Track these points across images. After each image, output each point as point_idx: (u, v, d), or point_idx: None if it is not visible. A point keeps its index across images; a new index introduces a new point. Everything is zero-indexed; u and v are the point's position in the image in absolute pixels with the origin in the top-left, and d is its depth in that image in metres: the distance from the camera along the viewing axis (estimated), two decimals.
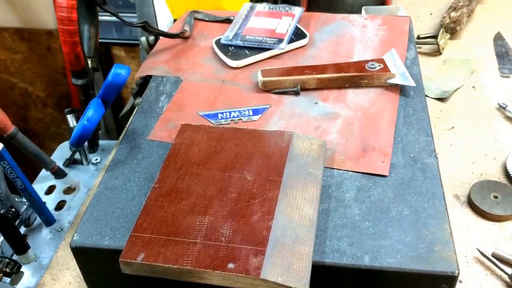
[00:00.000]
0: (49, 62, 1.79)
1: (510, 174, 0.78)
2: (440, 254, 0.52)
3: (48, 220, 0.76)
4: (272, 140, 0.64)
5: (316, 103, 0.73)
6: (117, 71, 0.64)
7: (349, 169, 0.63)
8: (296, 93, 0.75)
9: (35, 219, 0.77)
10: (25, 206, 0.74)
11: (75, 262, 0.58)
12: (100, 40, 0.82)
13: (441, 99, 0.96)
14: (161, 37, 0.90)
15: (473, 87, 0.99)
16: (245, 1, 1.01)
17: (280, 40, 0.84)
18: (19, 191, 0.72)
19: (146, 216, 0.55)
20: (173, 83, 0.79)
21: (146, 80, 0.99)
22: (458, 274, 0.51)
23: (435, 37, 1.09)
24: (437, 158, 0.64)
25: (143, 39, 1.05)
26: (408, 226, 0.55)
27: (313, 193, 0.58)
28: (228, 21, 0.92)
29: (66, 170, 0.86)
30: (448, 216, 0.57)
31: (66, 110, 0.85)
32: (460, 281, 0.65)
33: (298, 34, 0.86)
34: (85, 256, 0.57)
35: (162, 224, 0.54)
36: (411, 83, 0.74)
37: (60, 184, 0.84)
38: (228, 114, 0.72)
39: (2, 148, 0.67)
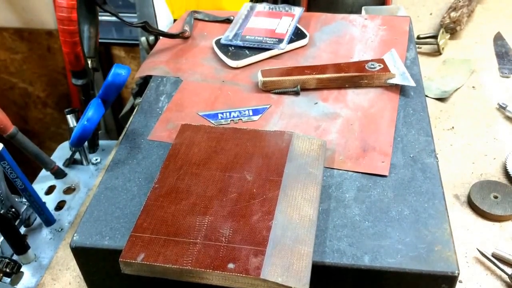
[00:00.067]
0: (49, 62, 1.79)
1: (510, 174, 0.78)
2: (440, 254, 0.52)
3: (48, 220, 0.76)
4: (272, 140, 0.64)
5: (316, 103, 0.73)
6: (117, 71, 0.64)
7: (349, 169, 0.63)
8: (296, 93, 0.75)
9: (35, 219, 0.77)
10: (25, 206, 0.74)
11: (75, 262, 0.58)
12: (100, 40, 0.82)
13: (441, 99, 0.96)
14: (161, 37, 0.90)
15: (473, 87, 0.99)
16: (245, 1, 1.01)
17: (280, 40, 0.84)
18: (19, 191, 0.72)
19: (146, 216, 0.55)
20: (173, 83, 0.79)
21: (146, 80, 0.99)
22: (458, 274, 0.51)
23: (435, 37, 1.09)
24: (437, 158, 0.64)
25: (143, 39, 1.05)
26: (408, 226, 0.55)
27: (313, 193, 0.58)
28: (228, 21, 0.92)
29: (66, 170, 0.86)
30: (448, 216, 0.57)
31: (66, 110, 0.85)
32: (460, 281, 0.65)
33: (298, 34, 0.86)
34: (85, 256, 0.57)
35: (162, 224, 0.54)
36: (411, 83, 0.74)
37: (60, 184, 0.84)
38: (228, 114, 0.72)
39: (2, 148, 0.67)
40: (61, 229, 0.75)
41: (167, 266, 0.50)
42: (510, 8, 1.24)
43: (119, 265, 0.52)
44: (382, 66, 0.76)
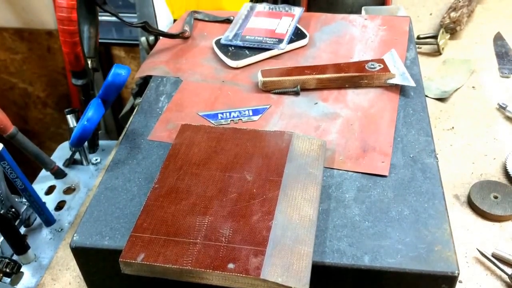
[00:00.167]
0: (49, 62, 1.79)
1: (510, 174, 0.78)
2: (440, 254, 0.52)
3: (48, 220, 0.76)
4: (272, 140, 0.64)
5: (316, 103, 0.73)
6: (117, 71, 0.64)
7: (349, 169, 0.63)
8: (296, 93, 0.75)
9: (35, 219, 0.77)
10: (25, 206, 0.74)
11: (75, 262, 0.58)
12: (100, 40, 0.82)
13: (441, 99, 0.96)
14: (161, 37, 0.90)
15: (473, 87, 0.99)
16: (245, 1, 1.01)
17: (280, 40, 0.84)
18: (19, 191, 0.72)
19: (146, 216, 0.55)
20: (173, 83, 0.79)
21: (146, 80, 0.99)
22: (458, 274, 0.51)
23: (435, 37, 1.09)
24: (437, 158, 0.64)
25: (143, 39, 1.05)
26: (408, 226, 0.55)
27: (313, 193, 0.58)
28: (228, 21, 0.92)
29: (66, 170, 0.86)
30: (448, 216, 0.57)
31: (66, 110, 0.85)
32: (460, 281, 0.65)
33: (298, 34, 0.86)
34: (85, 256, 0.57)
35: (162, 224, 0.54)
36: (411, 83, 0.74)
37: (60, 184, 0.84)
38: (228, 114, 0.72)
39: (2, 148, 0.67)
40: (61, 229, 0.75)
41: (167, 266, 0.50)
42: (510, 8, 1.24)
43: (119, 265, 0.52)
44: (382, 66, 0.76)
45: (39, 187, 0.83)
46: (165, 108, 0.74)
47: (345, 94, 0.75)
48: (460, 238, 0.70)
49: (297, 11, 0.91)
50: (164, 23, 1.07)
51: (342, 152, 0.65)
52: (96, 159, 0.87)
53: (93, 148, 0.89)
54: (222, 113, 0.72)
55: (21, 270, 0.69)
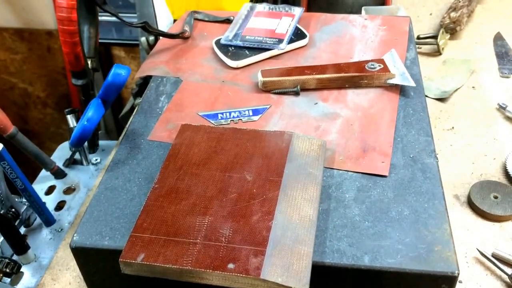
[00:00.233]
0: (49, 63, 1.79)
1: (510, 174, 0.78)
2: (440, 254, 0.52)
3: (48, 220, 0.76)
4: (272, 140, 0.64)
5: (316, 103, 0.73)
6: (117, 71, 0.64)
7: (349, 169, 0.63)
8: (296, 94, 0.75)
9: (35, 219, 0.77)
10: (25, 206, 0.74)
11: (75, 262, 0.58)
12: (100, 40, 0.82)
13: (441, 99, 0.96)
14: (161, 38, 0.90)
15: (473, 87, 0.99)
16: (245, 1, 1.01)
17: (280, 41, 0.84)
18: (19, 191, 0.72)
19: (146, 217, 0.55)
20: (173, 84, 0.79)
21: (146, 80, 0.99)
22: (458, 274, 0.51)
23: (435, 37, 1.09)
24: (437, 158, 0.64)
25: (143, 39, 1.05)
26: (408, 227, 0.55)
27: (313, 193, 0.58)
28: (228, 21, 0.92)
29: (66, 170, 0.86)
30: (448, 217, 0.57)
31: (66, 110, 0.85)
32: (460, 281, 0.65)
33: (298, 35, 0.86)
34: (85, 257, 0.57)
35: (162, 224, 0.54)
36: (411, 83, 0.74)
37: (60, 184, 0.84)
38: (228, 114, 0.72)
39: (2, 148, 0.67)
40: (61, 229, 0.75)
41: (167, 266, 0.50)
42: (510, 8, 1.24)
43: (119, 265, 0.52)
44: (382, 66, 0.76)
45: (39, 187, 0.83)
46: (165, 108, 0.74)
47: (345, 94, 0.75)
48: (460, 238, 0.70)
49: (297, 11, 0.91)
50: (164, 23, 1.07)
51: (342, 152, 0.65)
52: (96, 159, 0.87)
53: (93, 148, 0.89)
54: (222, 113, 0.72)
55: (21, 270, 0.69)
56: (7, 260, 0.66)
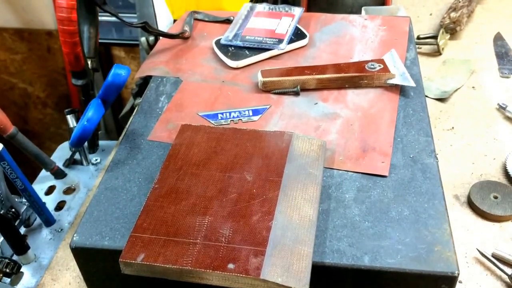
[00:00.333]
0: (49, 63, 1.79)
1: (510, 175, 0.78)
2: (440, 255, 0.52)
3: (48, 221, 0.76)
4: (272, 140, 0.64)
5: (316, 103, 0.73)
6: (117, 72, 0.64)
7: (349, 169, 0.63)
8: (296, 94, 0.75)
9: (35, 220, 0.77)
10: (25, 207, 0.74)
11: (75, 262, 0.58)
12: (100, 41, 0.82)
13: (441, 100, 0.96)
14: (161, 38, 0.90)
15: (473, 87, 0.99)
16: (245, 1, 1.01)
17: (280, 41, 0.84)
18: (19, 191, 0.72)
19: (146, 217, 0.55)
20: (173, 84, 0.79)
21: (146, 80, 0.99)
22: (458, 274, 0.51)
23: (435, 37, 1.09)
24: (437, 159, 0.64)
25: (143, 39, 1.05)
26: (408, 227, 0.55)
27: (313, 194, 0.58)
28: (228, 21, 0.92)
29: (66, 170, 0.86)
30: (448, 217, 0.57)
31: (66, 110, 0.85)
32: (460, 282, 0.65)
33: (298, 35, 0.86)
34: (85, 257, 0.57)
35: (162, 225, 0.54)
36: (411, 83, 0.74)
37: (60, 185, 0.84)
38: (228, 114, 0.72)
39: (2, 148, 0.67)
40: (61, 230, 0.75)
41: (167, 266, 0.50)
42: (510, 9, 1.24)
43: (119, 265, 0.52)
44: (382, 66, 0.76)
45: (39, 187, 0.83)
46: (165, 108, 0.74)
47: (345, 94, 0.75)
48: (460, 238, 0.70)
49: (297, 11, 0.91)
50: (164, 23, 1.07)
51: (342, 152, 0.65)
52: (96, 159, 0.87)
53: (93, 148, 0.89)
54: (222, 113, 0.72)
55: (21, 270, 0.69)
56: (7, 260, 0.66)
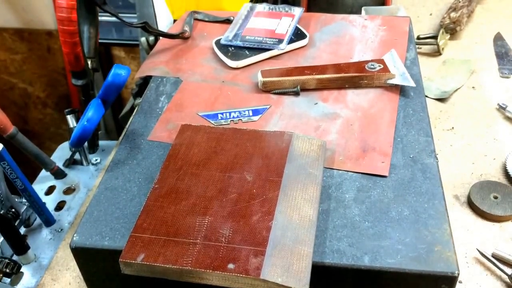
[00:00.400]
0: (49, 63, 1.79)
1: (510, 175, 0.78)
2: (440, 255, 0.52)
3: (48, 221, 0.76)
4: (272, 140, 0.64)
5: (316, 103, 0.73)
6: (117, 72, 0.64)
7: (349, 169, 0.63)
8: (296, 94, 0.75)
9: (35, 220, 0.77)
10: (25, 207, 0.74)
11: (75, 262, 0.58)
12: (100, 41, 0.82)
13: (441, 100, 0.96)
14: (161, 38, 0.90)
15: (473, 87, 0.99)
16: (245, 2, 1.01)
17: (280, 41, 0.84)
18: (19, 191, 0.72)
19: (146, 217, 0.55)
20: (173, 84, 0.79)
21: (146, 80, 0.99)
22: (458, 274, 0.51)
23: (435, 37, 1.09)
24: (437, 159, 0.64)
25: (143, 39, 1.05)
26: (408, 227, 0.55)
27: (313, 194, 0.58)
28: (228, 21, 0.92)
29: (66, 170, 0.86)
30: (448, 217, 0.57)
31: (66, 110, 0.85)
32: (460, 282, 0.65)
33: (298, 35, 0.86)
34: (85, 257, 0.57)
35: (162, 225, 0.54)
36: (411, 83, 0.74)
37: (60, 185, 0.84)
38: (228, 114, 0.72)
39: (2, 148, 0.67)
40: (61, 230, 0.75)
41: (167, 266, 0.50)
42: (510, 9, 1.24)
43: (119, 265, 0.52)
44: (382, 66, 0.76)
45: (39, 187, 0.83)
46: (165, 108, 0.74)
47: (345, 94, 0.75)
48: (460, 239, 0.70)
49: (297, 11, 0.91)
50: (164, 23, 1.07)
51: (342, 152, 0.65)
52: (96, 159, 0.87)
53: (93, 148, 0.89)
54: (222, 113, 0.72)
55: (21, 270, 0.69)
56: (7, 260, 0.66)
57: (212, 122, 0.71)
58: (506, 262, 0.67)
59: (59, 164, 0.86)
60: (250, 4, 0.94)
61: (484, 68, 1.04)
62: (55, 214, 0.78)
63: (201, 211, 0.55)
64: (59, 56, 1.75)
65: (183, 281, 0.51)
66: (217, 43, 0.85)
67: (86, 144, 0.88)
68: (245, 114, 0.72)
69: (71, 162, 0.87)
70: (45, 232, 0.75)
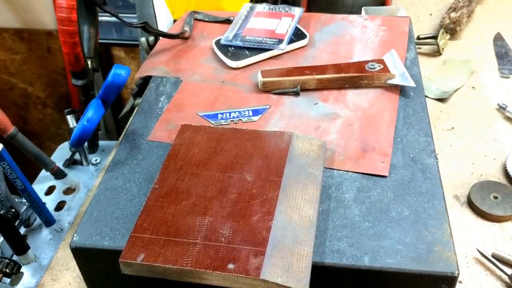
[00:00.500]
0: (49, 63, 1.79)
1: (510, 175, 0.78)
2: (440, 255, 0.52)
3: (48, 221, 0.76)
4: (272, 140, 0.64)
5: (316, 103, 0.73)
6: (117, 72, 0.64)
7: (349, 169, 0.63)
8: (296, 94, 0.75)
9: (35, 220, 0.77)
10: (25, 207, 0.74)
11: (75, 262, 0.58)
12: (100, 41, 0.82)
13: (441, 100, 0.96)
14: (161, 38, 0.90)
15: (473, 87, 0.99)
16: (245, 2, 1.01)
17: (280, 41, 0.84)
18: (19, 191, 0.72)
19: (146, 217, 0.55)
20: (173, 84, 0.79)
21: (146, 80, 0.99)
22: (458, 274, 0.51)
23: (435, 37, 1.09)
24: (437, 159, 0.64)
25: (143, 39, 1.05)
26: (408, 227, 0.55)
27: (313, 194, 0.58)
28: (228, 21, 0.92)
29: (66, 170, 0.86)
30: (448, 217, 0.57)
31: (66, 110, 0.85)
32: (460, 282, 0.65)
33: (298, 35, 0.86)
34: (85, 257, 0.57)
35: (162, 225, 0.54)
36: (411, 83, 0.74)
37: (60, 185, 0.84)
38: (228, 114, 0.72)
39: (2, 148, 0.67)
40: (61, 230, 0.75)
41: (167, 266, 0.50)
42: (510, 9, 1.24)
43: (119, 265, 0.52)
44: (382, 66, 0.76)
45: (39, 187, 0.83)
46: (165, 109, 0.74)
47: (345, 94, 0.75)
48: (460, 239, 0.70)
49: (297, 11, 0.91)
50: (164, 23, 1.07)
51: (342, 152, 0.65)
52: (96, 160, 0.87)
53: (93, 148, 0.89)
54: (222, 114, 0.72)
55: (21, 270, 0.69)
56: (7, 261, 0.66)
57: (212, 122, 0.71)
58: (506, 262, 0.67)
59: (59, 164, 0.86)
60: (250, 4, 0.94)
61: (484, 68, 1.04)
62: (55, 214, 0.78)
63: (201, 211, 0.55)
64: (59, 56, 1.75)
65: (183, 281, 0.51)
66: (217, 43, 0.85)
67: (86, 144, 0.88)
68: (245, 114, 0.72)
69: (71, 162, 0.87)
70: (45, 232, 0.75)
